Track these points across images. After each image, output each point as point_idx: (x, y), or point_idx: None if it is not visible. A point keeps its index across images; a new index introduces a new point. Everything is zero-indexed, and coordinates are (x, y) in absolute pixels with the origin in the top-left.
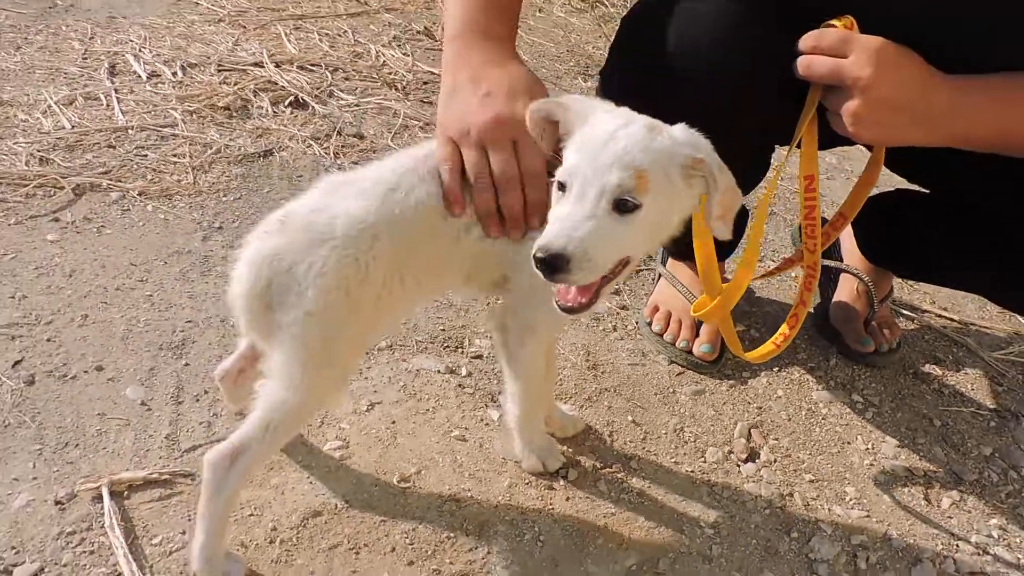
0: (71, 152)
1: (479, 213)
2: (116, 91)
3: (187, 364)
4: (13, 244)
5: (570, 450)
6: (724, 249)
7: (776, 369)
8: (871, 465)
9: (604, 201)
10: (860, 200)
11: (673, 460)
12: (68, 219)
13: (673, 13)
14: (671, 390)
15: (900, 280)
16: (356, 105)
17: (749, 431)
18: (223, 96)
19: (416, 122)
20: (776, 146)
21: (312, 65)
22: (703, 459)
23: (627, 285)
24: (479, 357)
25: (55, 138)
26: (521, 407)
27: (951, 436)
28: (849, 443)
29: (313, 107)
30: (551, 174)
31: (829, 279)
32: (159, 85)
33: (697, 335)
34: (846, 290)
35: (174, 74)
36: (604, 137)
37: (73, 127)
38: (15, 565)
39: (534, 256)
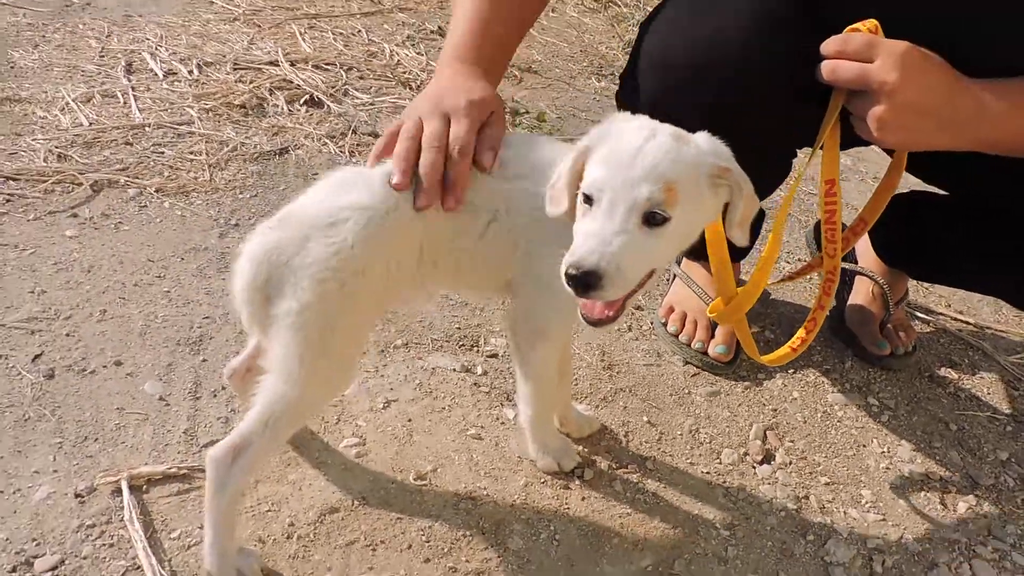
0: (89, 149)
1: (422, 171)
2: (133, 89)
3: (204, 360)
4: (32, 239)
5: (585, 450)
6: (740, 251)
7: (791, 371)
8: (887, 468)
9: (634, 215)
10: (881, 205)
11: (688, 461)
12: (86, 215)
13: (695, 19)
14: (686, 391)
15: (915, 283)
16: (371, 104)
17: (764, 433)
18: (239, 94)
19: None
20: (797, 150)
21: (327, 64)
22: (718, 460)
23: None
24: (495, 356)
25: (73, 135)
26: (533, 408)
27: (967, 440)
28: (865, 446)
29: (328, 106)
30: None
31: (844, 281)
32: (175, 83)
33: (712, 336)
34: (861, 292)
35: (190, 72)
36: (632, 150)
37: (91, 124)
38: (36, 557)
39: (566, 273)
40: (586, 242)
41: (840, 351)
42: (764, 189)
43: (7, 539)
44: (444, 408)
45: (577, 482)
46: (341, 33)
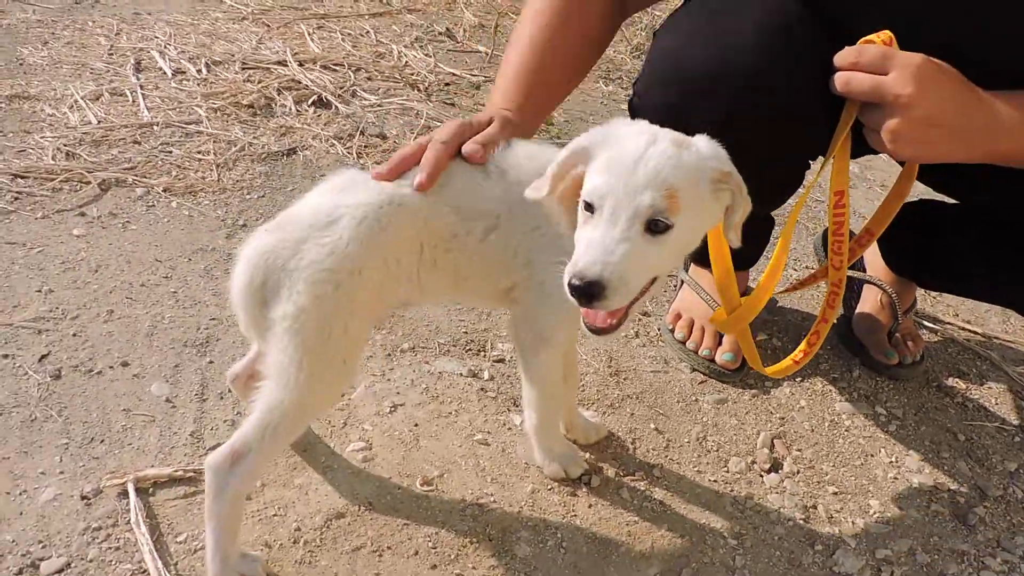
0: (97, 147)
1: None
2: (141, 87)
3: (211, 361)
4: (40, 238)
5: (592, 457)
6: (747, 259)
7: (799, 380)
8: (895, 479)
9: (636, 223)
10: (889, 216)
11: (696, 469)
12: (94, 214)
13: (710, 27)
14: (693, 398)
15: (923, 292)
16: (379, 105)
17: (772, 441)
18: (247, 94)
19: (438, 123)
20: (810, 160)
21: (335, 64)
22: (726, 469)
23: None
24: (501, 361)
25: (81, 133)
26: (539, 414)
27: (975, 451)
28: (872, 456)
29: (336, 106)
30: None
31: (852, 290)
32: (184, 82)
33: (720, 343)
34: (869, 301)
35: (199, 71)
36: (633, 157)
37: (99, 122)
38: (42, 559)
39: (569, 283)
40: (588, 251)
41: (848, 360)
42: (776, 199)
43: (13, 541)
44: (451, 413)
45: (584, 489)
46: (349, 34)
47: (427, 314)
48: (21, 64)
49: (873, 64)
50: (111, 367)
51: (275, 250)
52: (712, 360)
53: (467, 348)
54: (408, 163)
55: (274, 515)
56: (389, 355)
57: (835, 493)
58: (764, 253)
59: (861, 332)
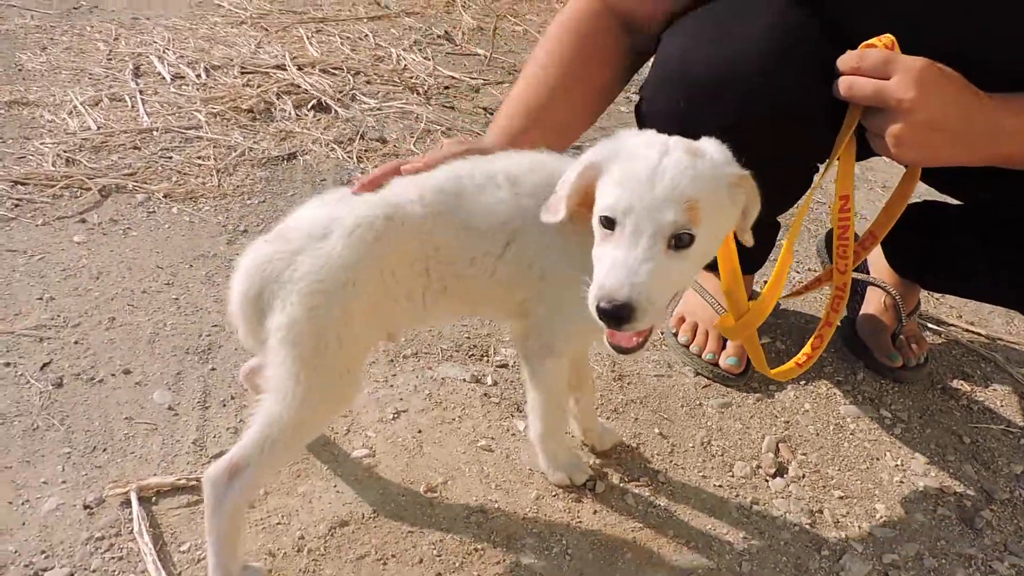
0: (97, 153)
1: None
2: (141, 92)
3: (213, 369)
4: (41, 245)
5: (597, 462)
6: (752, 263)
7: (803, 383)
8: (901, 482)
9: (660, 240)
10: (892, 218)
11: (701, 474)
12: (95, 220)
13: (717, 32)
14: (698, 403)
15: (927, 294)
16: (378, 109)
17: (777, 445)
18: (247, 99)
19: (438, 127)
20: (818, 164)
21: (334, 68)
22: (731, 473)
23: None
24: (504, 366)
25: (81, 139)
26: (543, 422)
27: (981, 453)
28: (878, 459)
29: (336, 110)
30: None
31: (856, 292)
32: (183, 87)
33: (724, 347)
34: (873, 303)
35: (198, 76)
36: (649, 170)
37: (99, 128)
38: (45, 570)
39: (597, 307)
40: (613, 273)
41: (852, 363)
42: (783, 203)
43: (15, 551)
44: (454, 419)
45: (589, 495)
46: (348, 37)
47: None
48: (20, 70)
49: (875, 68)
50: (113, 375)
51: (271, 261)
52: (716, 364)
53: (470, 353)
54: (387, 175)
55: (278, 523)
56: (392, 361)
57: (841, 497)
58: (769, 257)
59: (865, 334)
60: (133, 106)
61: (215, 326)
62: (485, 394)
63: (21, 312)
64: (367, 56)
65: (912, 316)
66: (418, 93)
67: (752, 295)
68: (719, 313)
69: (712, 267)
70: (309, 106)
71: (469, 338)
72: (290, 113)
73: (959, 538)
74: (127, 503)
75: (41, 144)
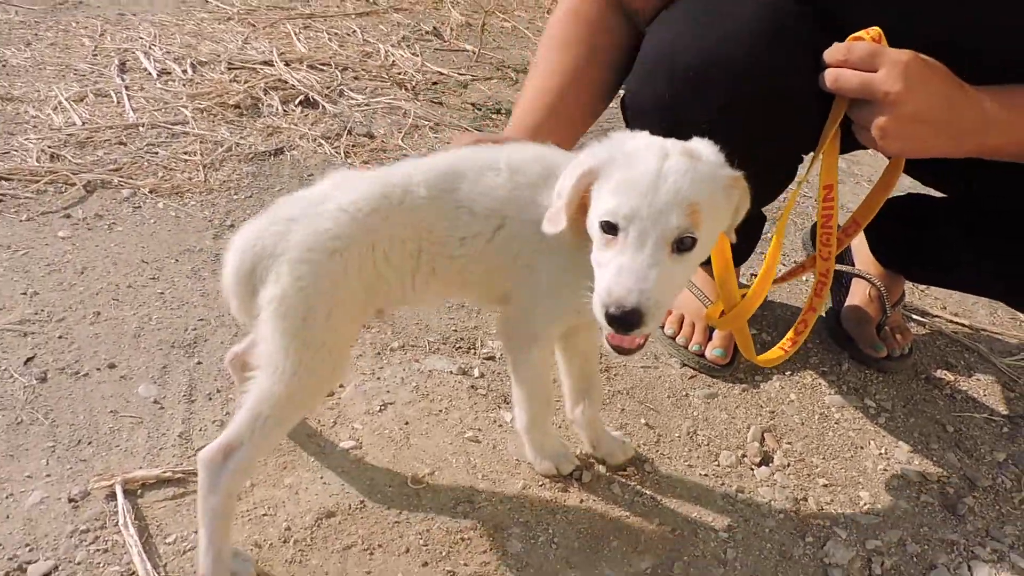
0: (82, 149)
1: None
2: (127, 88)
3: (199, 362)
4: (25, 240)
5: (584, 452)
6: (739, 255)
7: (788, 373)
8: (884, 470)
9: (664, 245)
10: (875, 206)
11: (687, 463)
12: (79, 216)
13: (704, 20)
14: (684, 393)
15: (911, 285)
16: (366, 104)
17: (762, 435)
18: (233, 94)
19: (426, 122)
20: (802, 155)
21: (322, 64)
22: (716, 462)
23: None
24: (491, 358)
25: (66, 134)
26: (528, 413)
27: (964, 441)
28: (862, 448)
29: (323, 106)
30: None
31: (841, 284)
32: (169, 83)
33: (710, 339)
34: (858, 295)
35: (184, 72)
36: (651, 175)
37: (84, 124)
38: (29, 563)
39: (607, 313)
40: (621, 279)
41: (837, 353)
42: (768, 194)
43: (0, 544)
44: (441, 411)
45: (575, 485)
46: (336, 33)
47: (417, 312)
48: (4, 65)
49: (862, 61)
50: (98, 369)
51: (264, 236)
52: (702, 355)
53: (457, 346)
54: None
55: (264, 515)
56: (379, 354)
57: (825, 485)
58: (756, 250)
59: (850, 326)
60: (119, 102)
61: (201, 320)
62: (472, 386)
63: (5, 307)
64: (355, 52)
65: (897, 307)
66: (406, 89)
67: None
68: (707, 306)
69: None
70: (296, 102)
71: (456, 331)
72: (277, 109)
73: (942, 524)
74: (112, 496)
75: (25, 140)
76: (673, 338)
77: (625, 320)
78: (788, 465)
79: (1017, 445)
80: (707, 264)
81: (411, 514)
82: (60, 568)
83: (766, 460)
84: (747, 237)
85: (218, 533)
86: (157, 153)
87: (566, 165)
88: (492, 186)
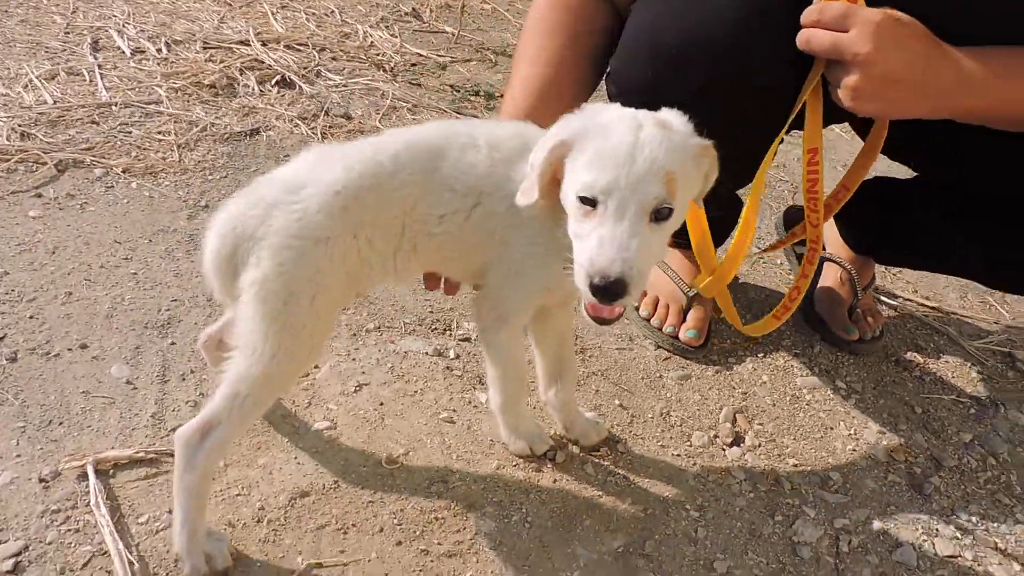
0: (53, 127)
1: None
2: (99, 67)
3: (173, 343)
4: None
5: (557, 433)
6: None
7: (761, 355)
8: (853, 450)
9: (643, 215)
10: (863, 171)
11: (659, 444)
12: (51, 195)
13: (686, 3)
14: (658, 375)
15: (883, 269)
16: (344, 85)
17: (734, 416)
18: (209, 74)
19: (404, 103)
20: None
21: (299, 44)
22: (689, 443)
23: None
24: (467, 340)
25: (37, 113)
26: (502, 394)
27: (932, 423)
28: (832, 429)
29: (300, 86)
30: None
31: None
32: (143, 62)
33: (684, 321)
34: (830, 278)
35: (159, 51)
36: (626, 147)
37: (55, 102)
38: None
39: (591, 283)
40: (603, 250)
41: (809, 336)
42: (747, 174)
43: None
44: (416, 392)
45: (549, 465)
46: (314, 13)
47: (392, 294)
48: None
49: (834, 21)
50: (69, 349)
51: (244, 218)
52: (676, 337)
53: (433, 327)
54: None
55: (237, 495)
56: (354, 335)
57: (795, 465)
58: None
59: (822, 308)
60: (91, 80)
61: (175, 300)
62: (447, 367)
63: None
64: (333, 32)
65: (867, 290)
66: (384, 70)
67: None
68: (681, 289)
69: (674, 241)
70: (273, 82)
71: (432, 312)
72: (253, 89)
73: (908, 503)
74: (84, 476)
75: None
76: (648, 320)
77: (609, 290)
78: (759, 445)
79: (983, 426)
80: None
81: (385, 494)
82: (30, 548)
83: (738, 441)
84: (724, 220)
85: (193, 512)
86: (131, 133)
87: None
88: (472, 163)
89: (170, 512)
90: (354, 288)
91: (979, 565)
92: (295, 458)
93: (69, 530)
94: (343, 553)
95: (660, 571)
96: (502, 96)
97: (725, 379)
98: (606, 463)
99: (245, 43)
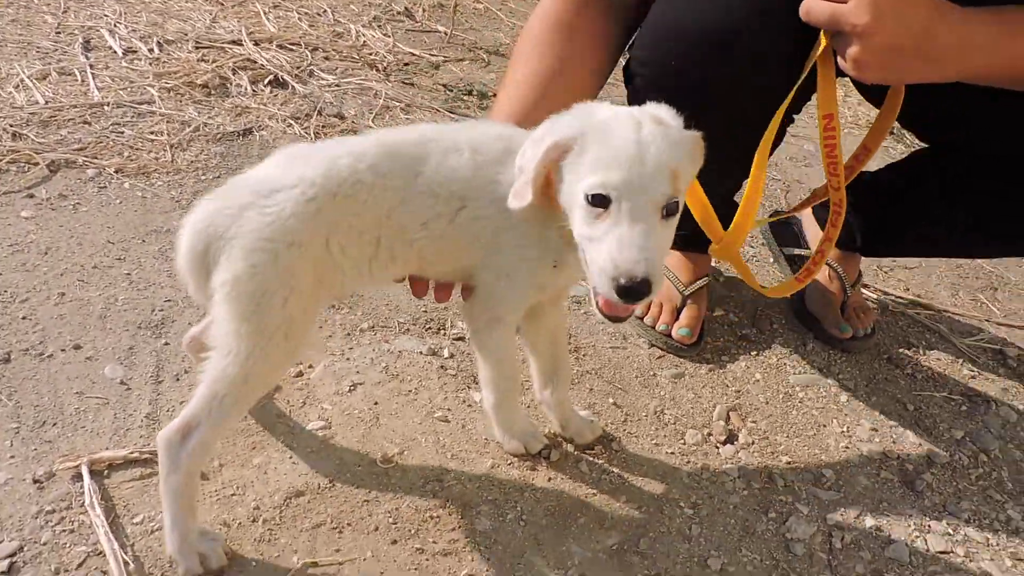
0: (45, 128)
1: None
2: (91, 66)
3: (167, 343)
4: None
5: (552, 432)
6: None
7: (754, 353)
8: (846, 448)
9: (656, 212)
10: (884, 131)
11: (653, 442)
12: (43, 196)
13: None
14: (651, 373)
15: (876, 267)
16: (336, 85)
17: (728, 414)
18: (201, 73)
19: (397, 103)
20: (793, 116)
21: (291, 44)
22: (683, 441)
23: None
24: (461, 339)
25: (29, 113)
26: (495, 393)
27: (924, 420)
28: (825, 426)
29: (293, 86)
30: None
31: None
32: (135, 61)
33: (677, 319)
34: (819, 276)
35: (150, 50)
36: (632, 146)
37: (47, 102)
38: None
39: (617, 285)
40: (626, 251)
41: (802, 334)
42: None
43: None
44: (411, 391)
45: (543, 463)
46: (306, 13)
47: (386, 293)
48: None
49: None
50: (63, 350)
51: (217, 217)
52: (669, 335)
53: (427, 327)
54: None
55: (232, 495)
56: (349, 334)
57: (788, 463)
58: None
59: (815, 307)
60: (83, 80)
61: (168, 301)
62: (442, 366)
63: None
64: (326, 32)
65: (856, 287)
66: (377, 70)
67: (715, 272)
68: (676, 288)
69: None
70: (266, 82)
71: (426, 311)
72: (246, 89)
73: (900, 500)
74: (78, 477)
75: None
76: (641, 318)
77: (635, 290)
78: (752, 443)
79: (975, 423)
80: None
81: (380, 493)
82: (25, 548)
83: (731, 438)
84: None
85: (182, 512)
86: (123, 133)
87: (523, 140)
88: (454, 167)
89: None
90: (329, 292)
91: (971, 561)
92: (290, 457)
93: (64, 531)
94: (338, 552)
95: (654, 568)
96: (495, 96)
97: (718, 377)
98: (600, 461)
99: (237, 43)
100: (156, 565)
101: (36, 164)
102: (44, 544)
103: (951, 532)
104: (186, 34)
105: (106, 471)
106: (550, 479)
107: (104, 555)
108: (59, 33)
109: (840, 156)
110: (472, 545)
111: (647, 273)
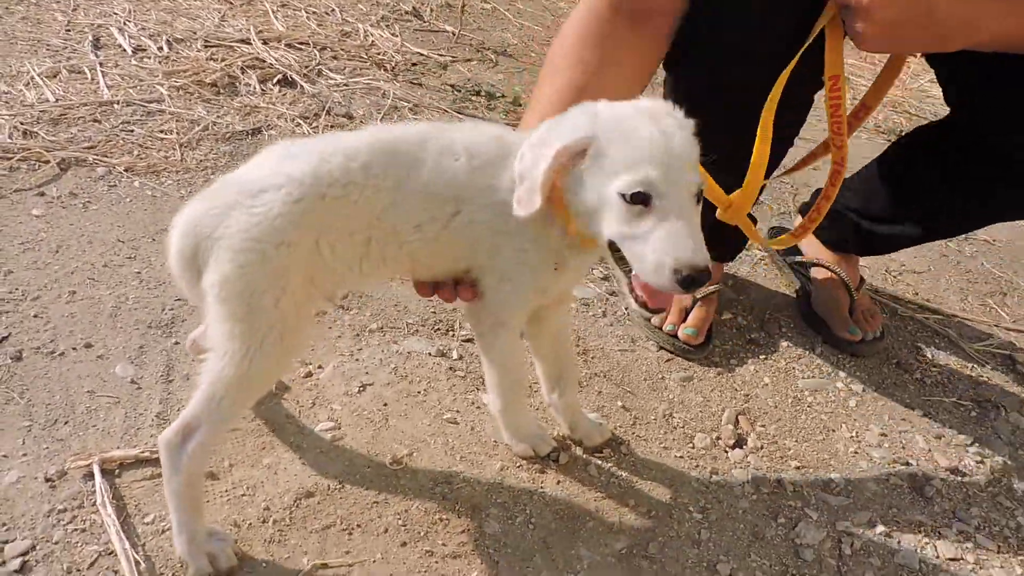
0: (56, 126)
1: None
2: (101, 65)
3: (177, 343)
4: None
5: (561, 434)
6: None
7: (763, 357)
8: (855, 453)
9: (692, 201)
10: (885, 89)
11: (662, 446)
12: (54, 194)
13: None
14: (660, 376)
15: (884, 272)
16: (345, 85)
17: (736, 418)
18: (210, 72)
19: (405, 103)
20: (813, 97)
21: (300, 43)
22: (692, 445)
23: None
24: (470, 340)
25: (39, 111)
26: (503, 397)
27: (933, 425)
28: (834, 431)
29: (301, 85)
30: None
31: (800, 274)
32: (145, 60)
33: (684, 320)
34: (823, 281)
35: (160, 49)
36: (660, 140)
37: (57, 100)
38: (6, 542)
39: (681, 277)
40: (682, 243)
41: (811, 338)
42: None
43: None
44: (420, 392)
45: (552, 466)
46: (315, 12)
47: (395, 294)
48: None
49: None
50: (74, 348)
51: (204, 218)
52: (675, 335)
53: (435, 328)
54: None
55: (243, 495)
56: (357, 335)
57: (797, 467)
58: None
59: (822, 310)
60: (93, 78)
61: (178, 300)
62: (450, 368)
63: None
64: (334, 31)
65: (859, 289)
66: (385, 69)
67: (723, 279)
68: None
69: None
70: (274, 81)
71: (435, 312)
72: (255, 88)
73: (910, 506)
74: (89, 476)
75: None
76: (648, 319)
77: (698, 279)
78: (761, 447)
79: (984, 429)
80: None
81: (390, 495)
82: (37, 547)
83: (740, 442)
84: (735, 237)
85: (187, 513)
86: (132, 131)
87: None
88: (451, 171)
89: None
90: (322, 291)
91: (981, 568)
92: (300, 458)
93: (75, 529)
94: (348, 554)
95: (663, 573)
96: (502, 96)
97: (727, 381)
98: (609, 465)
99: (246, 42)
100: (167, 565)
101: (47, 162)
102: (56, 543)
103: (961, 539)
104: (195, 32)
105: (117, 470)
106: (559, 482)
107: (115, 554)
108: (69, 31)
109: (844, 115)
110: (481, 548)
111: (706, 260)
